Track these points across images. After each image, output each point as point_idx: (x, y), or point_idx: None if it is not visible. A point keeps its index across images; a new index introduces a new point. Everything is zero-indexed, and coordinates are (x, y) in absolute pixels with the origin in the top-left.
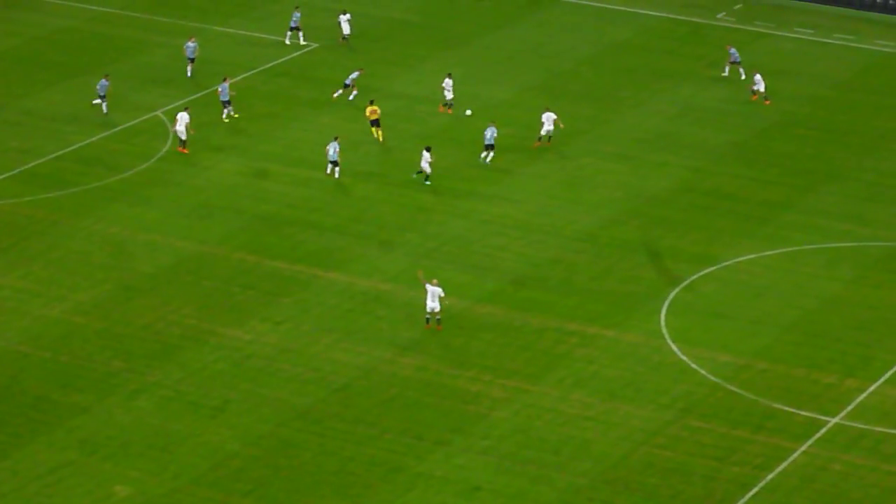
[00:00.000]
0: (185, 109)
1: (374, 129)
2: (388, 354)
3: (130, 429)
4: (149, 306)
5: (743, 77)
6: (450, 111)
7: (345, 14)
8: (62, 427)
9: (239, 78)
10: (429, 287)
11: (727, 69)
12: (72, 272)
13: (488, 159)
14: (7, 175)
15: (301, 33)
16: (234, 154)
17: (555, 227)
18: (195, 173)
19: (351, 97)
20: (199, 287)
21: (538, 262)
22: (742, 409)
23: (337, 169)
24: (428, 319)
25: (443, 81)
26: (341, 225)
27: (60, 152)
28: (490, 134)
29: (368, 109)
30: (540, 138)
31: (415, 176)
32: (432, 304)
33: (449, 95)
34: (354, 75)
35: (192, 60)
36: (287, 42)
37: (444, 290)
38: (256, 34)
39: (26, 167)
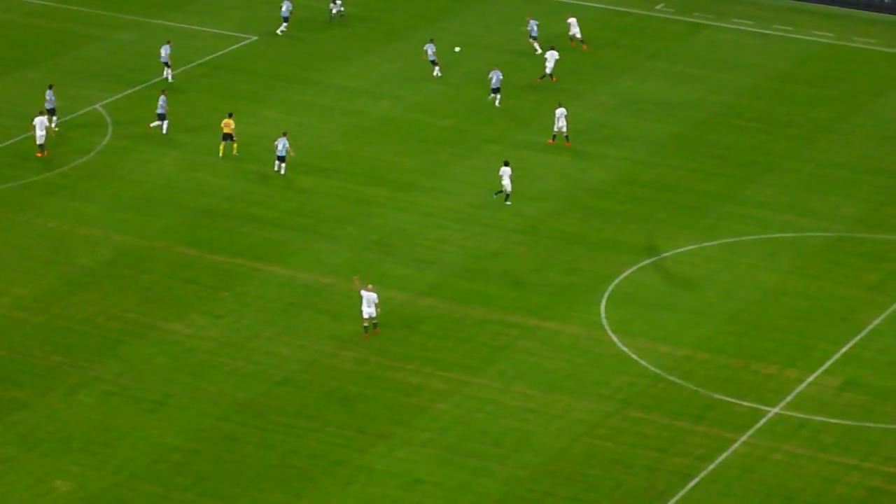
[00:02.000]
0: (41, 114)
1: (223, 143)
2: (330, 348)
3: (71, 423)
4: (89, 301)
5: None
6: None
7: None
8: (1, 422)
9: (178, 70)
10: (364, 293)
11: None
12: (11, 267)
13: (497, 102)
14: None
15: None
16: (173, 148)
17: (495, 220)
18: (135, 167)
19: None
20: (139, 281)
21: (479, 255)
22: (683, 399)
23: (283, 165)
24: (366, 327)
25: (424, 46)
26: (281, 218)
27: None
28: (496, 78)
29: (223, 122)
30: (543, 76)
31: (495, 196)
32: (369, 311)
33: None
34: None
35: (167, 65)
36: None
37: (378, 295)
38: (196, 27)
39: None
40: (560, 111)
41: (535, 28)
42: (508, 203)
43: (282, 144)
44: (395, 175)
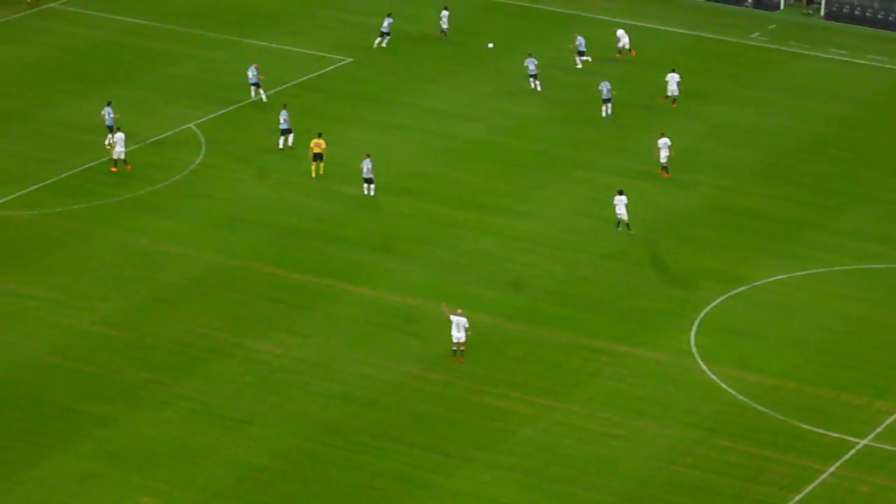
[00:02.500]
0: (118, 129)
1: (314, 164)
2: (416, 370)
3: (157, 441)
4: (177, 318)
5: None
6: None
7: (446, 10)
8: (89, 438)
9: (271, 92)
10: (454, 318)
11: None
12: (101, 283)
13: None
14: (38, 186)
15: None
16: (265, 168)
17: (585, 245)
18: (226, 186)
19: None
20: (227, 300)
21: (568, 280)
22: (770, 429)
23: (372, 186)
24: (455, 351)
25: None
26: (371, 240)
27: (91, 164)
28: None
29: (314, 142)
30: (665, 97)
31: (619, 228)
32: (458, 335)
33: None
34: None
35: (257, 84)
36: (376, 45)
37: (467, 319)
38: (290, 48)
39: (58, 178)
40: (663, 141)
41: (583, 44)
42: (632, 232)
43: (366, 166)
44: (485, 198)
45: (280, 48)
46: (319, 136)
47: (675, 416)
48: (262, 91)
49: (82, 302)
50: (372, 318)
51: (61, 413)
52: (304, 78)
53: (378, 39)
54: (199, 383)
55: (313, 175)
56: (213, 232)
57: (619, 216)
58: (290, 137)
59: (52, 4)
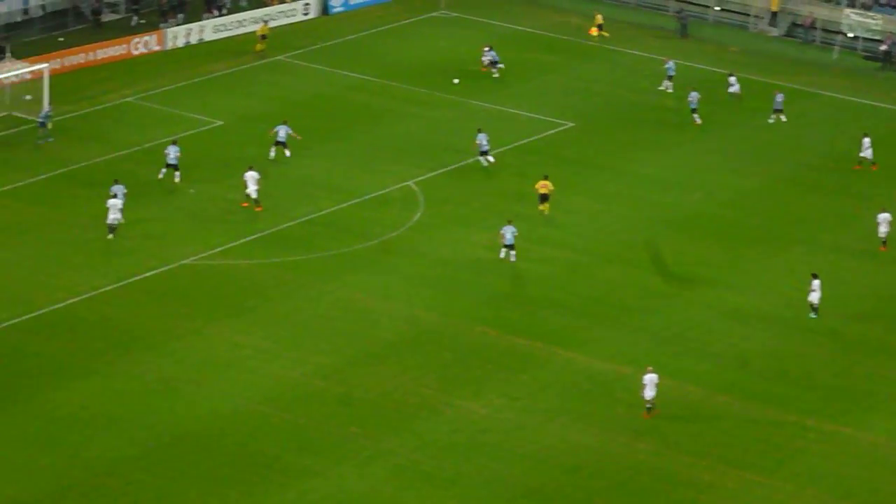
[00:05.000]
0: (251, 168)
1: (541, 205)
2: (624, 438)
3: (363, 496)
4: (388, 374)
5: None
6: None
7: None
8: (295, 489)
9: (494, 151)
10: (646, 377)
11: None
12: (315, 336)
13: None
14: (259, 235)
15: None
16: (480, 229)
17: (799, 321)
18: (441, 245)
19: None
20: (439, 358)
21: (780, 355)
22: None
23: (512, 253)
24: (649, 408)
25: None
26: (584, 305)
27: (312, 216)
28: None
29: (540, 183)
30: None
31: (814, 316)
32: (650, 393)
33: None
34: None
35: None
36: (663, 88)
37: (657, 376)
38: (512, 110)
39: (278, 229)
40: (883, 216)
41: (673, 68)
42: (813, 316)
43: (510, 233)
44: (700, 269)
45: (503, 110)
46: (545, 178)
47: (884, 500)
48: (489, 157)
49: (294, 353)
50: (580, 384)
51: (268, 462)
52: (525, 141)
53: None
54: (407, 440)
55: (546, 213)
56: (428, 290)
57: (811, 302)
58: (280, 151)
59: (280, 57)
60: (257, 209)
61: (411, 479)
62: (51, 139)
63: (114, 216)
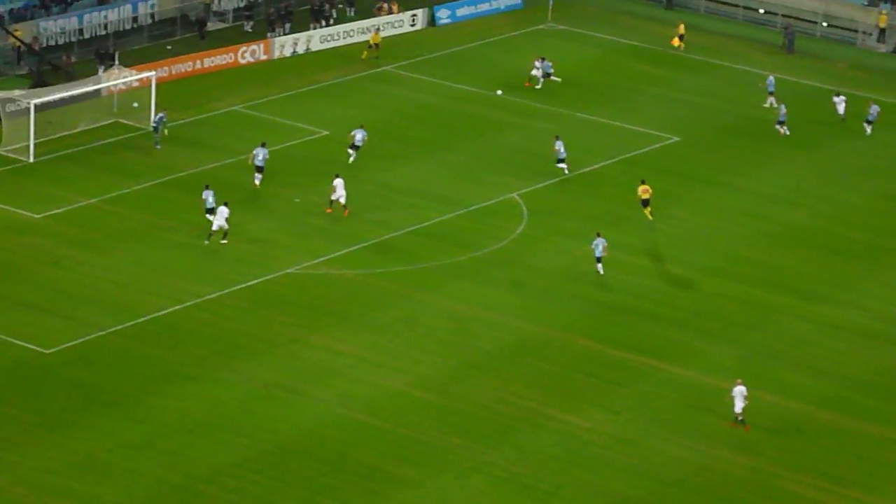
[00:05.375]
0: (338, 175)
1: (645, 209)
2: (725, 453)
3: None
4: (489, 385)
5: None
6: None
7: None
8: (393, 499)
9: (597, 166)
10: (735, 389)
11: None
12: (416, 346)
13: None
14: (363, 245)
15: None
16: (583, 241)
17: None
18: (544, 257)
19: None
20: (539, 370)
21: (882, 371)
22: None
23: (600, 266)
24: (741, 421)
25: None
26: (686, 319)
27: (415, 227)
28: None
29: (641, 188)
30: None
31: None
32: (739, 405)
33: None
34: None
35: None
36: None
37: (746, 388)
38: (617, 123)
39: (382, 239)
40: None
41: (773, 83)
42: None
43: (601, 245)
44: (804, 284)
45: (608, 123)
46: (643, 182)
47: None
48: (564, 166)
49: (396, 363)
50: (683, 398)
51: (367, 472)
52: (630, 154)
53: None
54: (507, 452)
55: (650, 218)
56: (530, 301)
57: None
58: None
59: (386, 68)
60: (329, 211)
61: (511, 491)
62: (158, 147)
63: (219, 222)
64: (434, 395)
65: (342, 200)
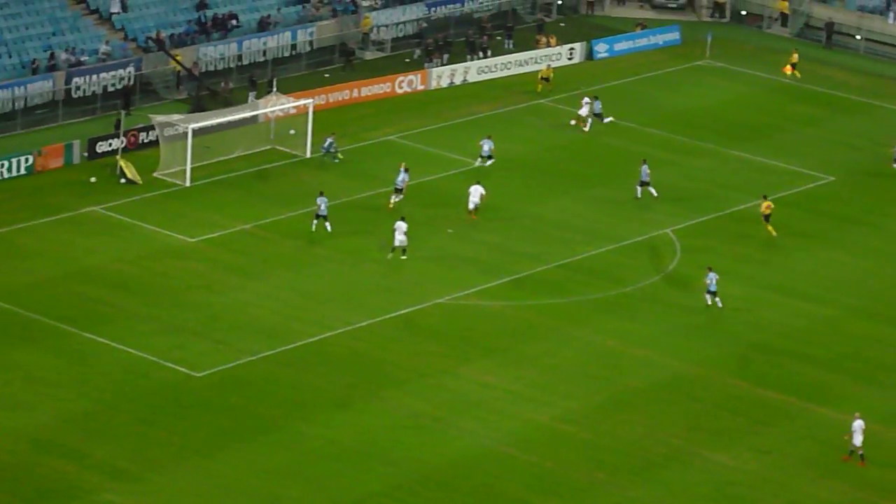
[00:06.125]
0: (478, 182)
1: (768, 226)
2: (873, 497)
3: None
4: (637, 422)
5: None
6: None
7: None
8: None
9: (750, 204)
10: (855, 423)
11: None
12: (564, 380)
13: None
14: (512, 278)
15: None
16: (735, 280)
17: None
18: (696, 294)
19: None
20: (688, 407)
21: None
22: None
23: (717, 299)
24: (863, 456)
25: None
26: (836, 360)
27: (567, 260)
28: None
29: (764, 205)
30: None
31: None
32: (859, 439)
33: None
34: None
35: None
36: None
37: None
38: (772, 162)
39: (531, 272)
40: None
41: None
42: None
43: (712, 280)
44: None
45: (763, 161)
46: (765, 198)
47: None
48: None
49: (544, 396)
50: (831, 440)
51: None
52: (784, 193)
53: None
54: (653, 488)
55: (773, 234)
56: (680, 339)
57: None
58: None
59: (544, 101)
60: (473, 217)
61: None
62: (336, 160)
63: (399, 238)
64: (581, 429)
65: (472, 205)
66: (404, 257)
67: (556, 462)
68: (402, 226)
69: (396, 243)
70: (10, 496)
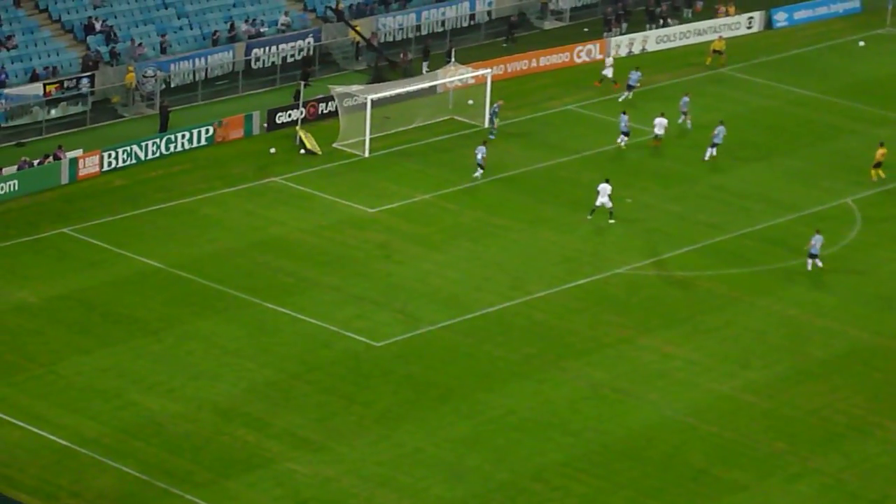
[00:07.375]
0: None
1: (874, 170)
2: None
3: None
4: (818, 392)
5: None
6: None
7: None
8: (720, 502)
9: None
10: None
11: None
12: (745, 350)
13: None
14: (693, 247)
15: None
16: None
17: None
18: (878, 264)
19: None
20: (869, 378)
21: None
22: None
23: (818, 261)
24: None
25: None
26: None
27: (747, 230)
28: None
29: (879, 152)
30: None
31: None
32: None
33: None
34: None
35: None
36: None
37: None
38: None
39: (712, 241)
40: None
41: None
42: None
43: (818, 243)
44: None
45: None
46: (882, 144)
47: None
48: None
49: (725, 366)
50: None
51: (694, 475)
52: None
53: None
54: (834, 459)
55: (874, 178)
56: (862, 309)
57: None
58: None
59: (723, 70)
60: (610, 222)
61: (838, 499)
62: (492, 136)
63: (602, 200)
64: (762, 399)
65: (600, 205)
66: (612, 221)
67: (736, 432)
68: (605, 188)
69: (597, 203)
70: (193, 464)
